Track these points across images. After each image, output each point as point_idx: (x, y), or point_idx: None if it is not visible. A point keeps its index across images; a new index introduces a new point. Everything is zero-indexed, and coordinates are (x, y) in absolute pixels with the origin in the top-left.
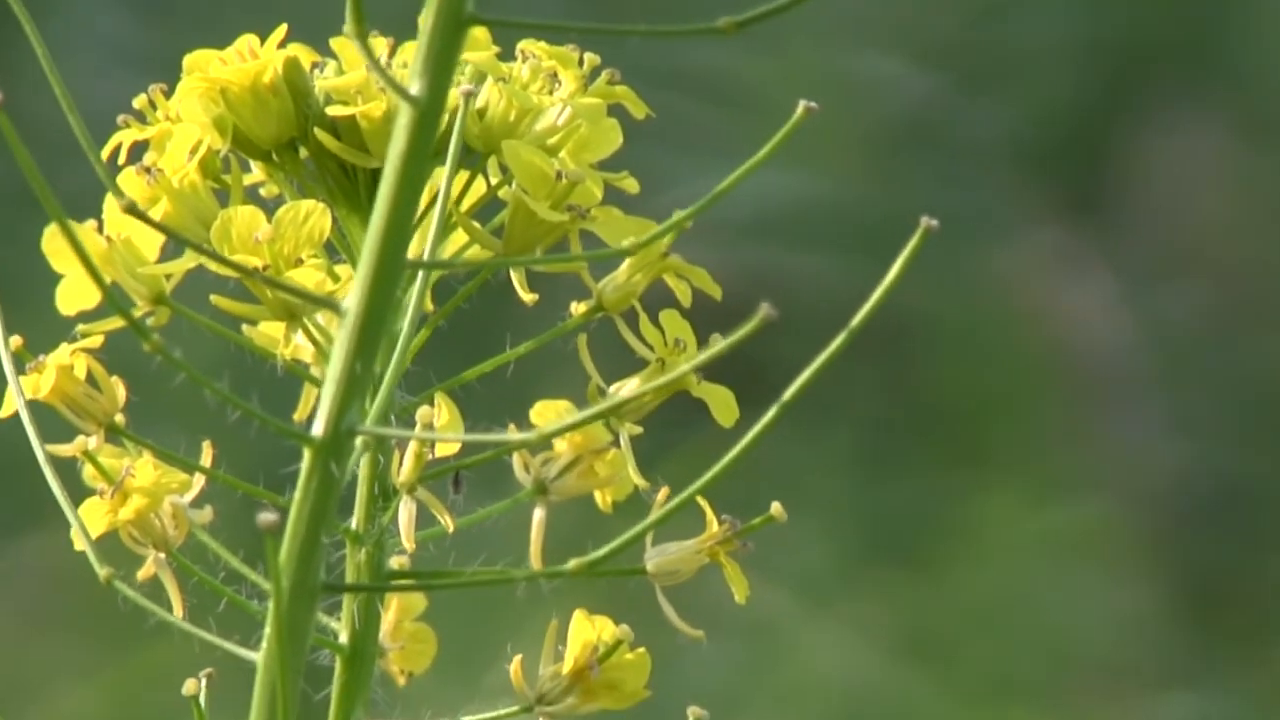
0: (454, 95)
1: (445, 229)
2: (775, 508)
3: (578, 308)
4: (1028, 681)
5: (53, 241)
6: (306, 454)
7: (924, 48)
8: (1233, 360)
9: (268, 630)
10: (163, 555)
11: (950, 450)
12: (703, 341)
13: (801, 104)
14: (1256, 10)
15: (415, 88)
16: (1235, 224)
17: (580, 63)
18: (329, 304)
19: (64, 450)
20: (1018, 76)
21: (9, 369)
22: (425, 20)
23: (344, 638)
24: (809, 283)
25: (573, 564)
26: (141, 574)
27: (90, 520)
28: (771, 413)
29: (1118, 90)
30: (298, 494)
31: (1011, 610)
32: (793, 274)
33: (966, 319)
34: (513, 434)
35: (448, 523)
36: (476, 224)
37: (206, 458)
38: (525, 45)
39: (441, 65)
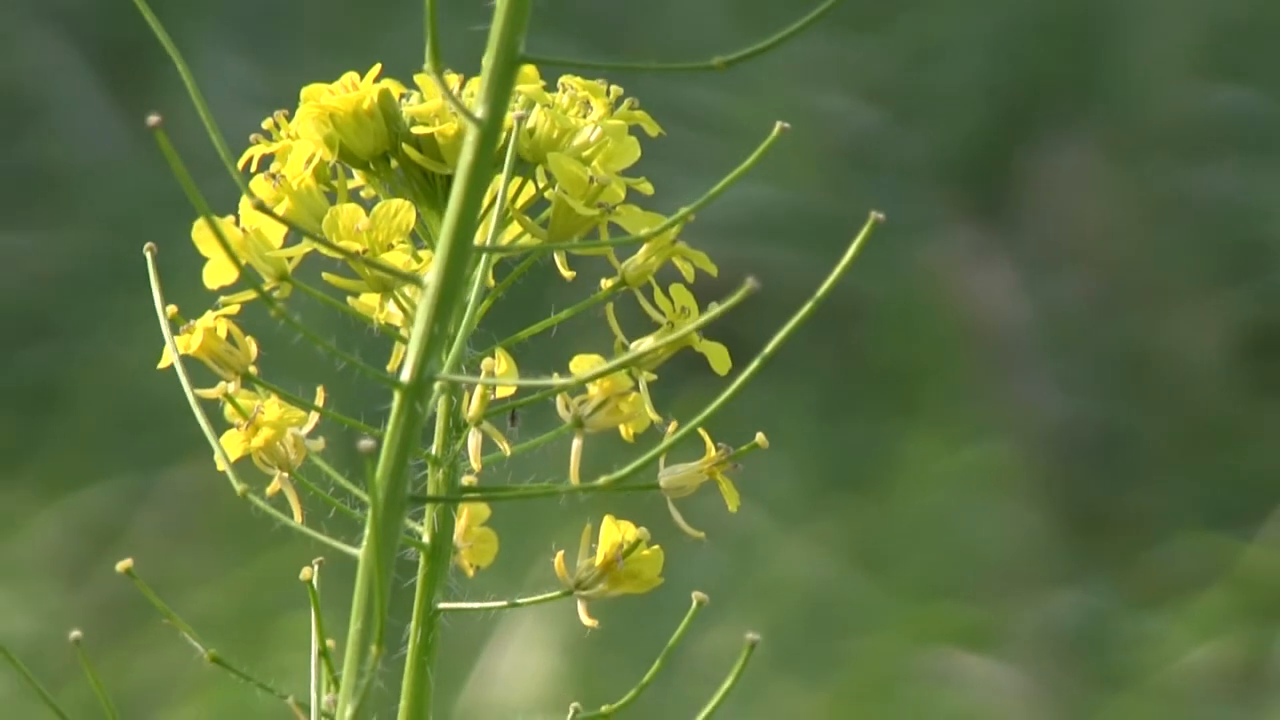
0: (509, 119)
1: (504, 222)
2: (760, 437)
3: (606, 283)
4: (949, 582)
5: (200, 232)
6: (396, 395)
7: (867, 88)
8: (1107, 333)
9: (367, 532)
10: (286, 475)
11: (889, 403)
12: (703, 310)
13: (778, 124)
14: (1122, 57)
15: (480, 112)
16: (1109, 225)
17: (607, 93)
18: (414, 279)
19: (209, 393)
20: (939, 110)
21: (165, 330)
22: (487, 60)
23: (426, 539)
24: (778, 270)
25: (603, 480)
26: (270, 489)
27: (229, 448)
28: (755, 364)
29: (1017, 120)
30: (390, 426)
31: (937, 527)
32: (766, 263)
33: (901, 301)
34: (556, 380)
35: (505, 449)
36: (528, 218)
37: (320, 399)
38: (565, 80)
39: (500, 95)
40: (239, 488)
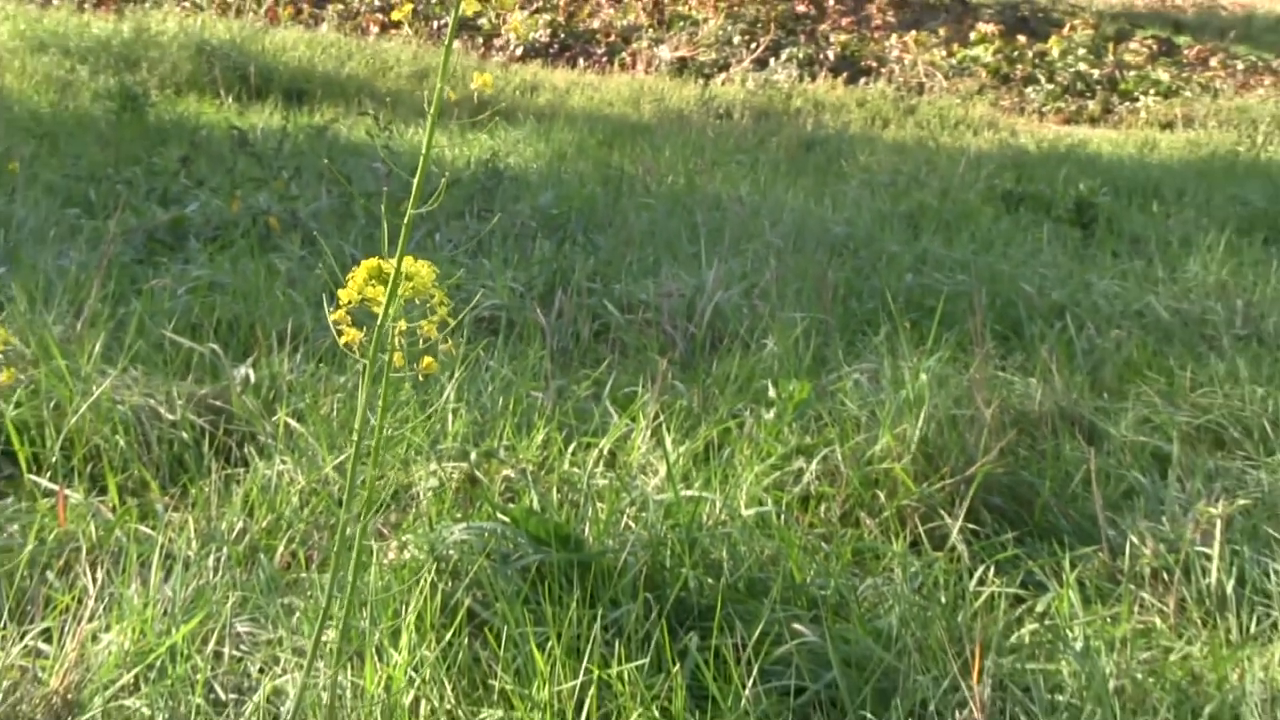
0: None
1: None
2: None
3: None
4: None
5: (336, 307)
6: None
7: None
8: None
9: (369, 358)
10: (358, 345)
11: None
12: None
13: None
14: None
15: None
16: None
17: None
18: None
19: (339, 328)
20: None
21: (328, 314)
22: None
23: (387, 359)
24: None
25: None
26: (356, 348)
27: (345, 341)
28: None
29: None
30: (372, 344)
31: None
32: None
33: None
34: (418, 325)
35: (402, 357)
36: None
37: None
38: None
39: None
40: (343, 349)
